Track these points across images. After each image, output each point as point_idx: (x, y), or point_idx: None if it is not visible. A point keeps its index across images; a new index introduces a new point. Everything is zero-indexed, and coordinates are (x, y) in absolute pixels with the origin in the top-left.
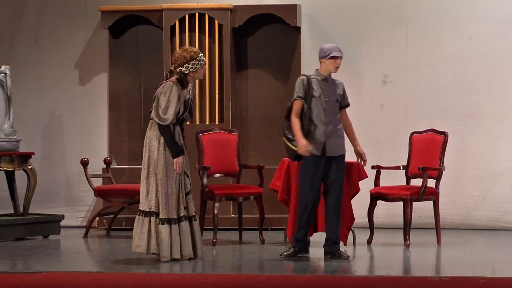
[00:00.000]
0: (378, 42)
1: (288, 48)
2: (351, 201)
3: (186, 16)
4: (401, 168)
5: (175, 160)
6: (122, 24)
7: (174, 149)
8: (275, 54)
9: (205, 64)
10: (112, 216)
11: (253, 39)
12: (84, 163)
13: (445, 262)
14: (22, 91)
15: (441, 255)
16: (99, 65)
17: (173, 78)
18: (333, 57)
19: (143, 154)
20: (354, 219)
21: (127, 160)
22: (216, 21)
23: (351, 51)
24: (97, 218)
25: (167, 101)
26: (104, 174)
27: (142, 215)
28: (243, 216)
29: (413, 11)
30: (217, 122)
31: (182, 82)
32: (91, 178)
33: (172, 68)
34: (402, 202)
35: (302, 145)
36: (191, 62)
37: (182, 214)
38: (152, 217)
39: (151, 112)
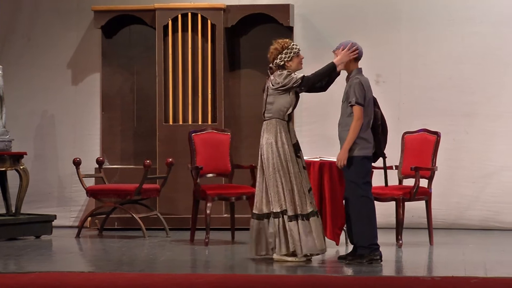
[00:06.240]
0: (372, 42)
1: None
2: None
3: (179, 16)
4: (394, 168)
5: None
6: (115, 24)
7: (325, 70)
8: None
9: (299, 52)
10: (104, 216)
11: (246, 39)
12: (77, 163)
13: (437, 262)
14: (14, 90)
15: (433, 255)
16: (92, 64)
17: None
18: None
19: (259, 156)
20: None
21: (119, 160)
22: (209, 21)
23: None
24: (89, 218)
25: (289, 75)
26: (97, 174)
27: (271, 217)
28: (236, 216)
29: (408, 11)
30: (209, 122)
31: None
32: (83, 178)
33: (271, 65)
34: (394, 202)
35: None
36: (284, 52)
37: (310, 210)
38: (282, 217)
39: (264, 113)
